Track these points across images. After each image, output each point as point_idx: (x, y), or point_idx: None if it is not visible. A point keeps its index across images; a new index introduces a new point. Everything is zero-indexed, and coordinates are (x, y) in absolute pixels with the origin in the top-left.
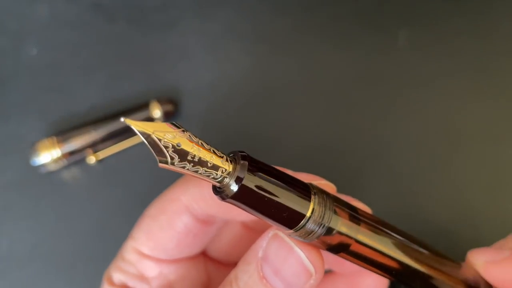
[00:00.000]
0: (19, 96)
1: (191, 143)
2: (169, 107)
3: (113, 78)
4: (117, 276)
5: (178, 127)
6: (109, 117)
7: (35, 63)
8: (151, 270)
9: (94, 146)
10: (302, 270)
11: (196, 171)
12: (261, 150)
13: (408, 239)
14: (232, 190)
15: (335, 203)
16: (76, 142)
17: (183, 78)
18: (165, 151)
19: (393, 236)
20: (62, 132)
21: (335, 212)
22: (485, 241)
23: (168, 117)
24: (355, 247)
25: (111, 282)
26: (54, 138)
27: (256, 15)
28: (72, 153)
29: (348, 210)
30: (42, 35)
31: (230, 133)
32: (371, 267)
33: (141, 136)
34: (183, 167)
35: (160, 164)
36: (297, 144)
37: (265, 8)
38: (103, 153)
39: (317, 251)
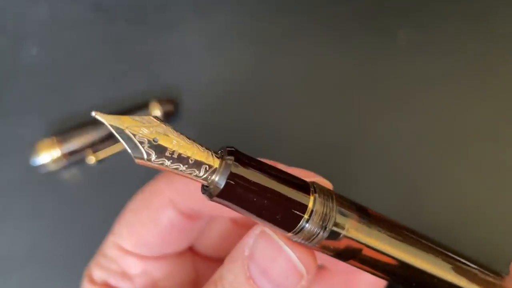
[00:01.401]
0: (19, 96)
1: (171, 138)
2: (169, 107)
3: (113, 78)
4: (98, 274)
5: (158, 121)
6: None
7: (35, 63)
8: (134, 267)
9: (94, 146)
10: (292, 270)
11: (177, 168)
12: (261, 150)
13: (435, 244)
14: (218, 188)
15: (340, 203)
16: (76, 142)
17: (183, 78)
18: (140, 147)
19: (414, 240)
20: (62, 132)
21: (340, 213)
22: (486, 241)
23: (168, 117)
24: (367, 253)
25: (92, 280)
26: (54, 138)
27: (256, 15)
28: (72, 153)
29: (357, 211)
30: (42, 35)
31: (230, 133)
32: (387, 277)
33: (113, 131)
34: (162, 164)
35: (137, 161)
36: (297, 143)
37: (265, 8)
38: (103, 153)
39: (309, 250)
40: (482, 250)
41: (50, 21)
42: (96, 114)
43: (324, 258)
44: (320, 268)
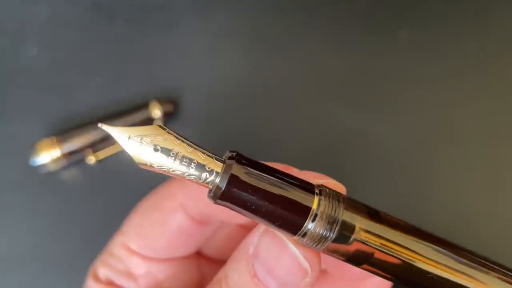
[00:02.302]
0: (19, 96)
1: (172, 146)
2: (169, 107)
3: (113, 78)
4: (103, 272)
5: (162, 129)
6: (109, 117)
7: (35, 63)
8: (140, 267)
9: (94, 146)
10: (297, 268)
11: (180, 173)
12: (261, 150)
13: (448, 245)
14: (220, 189)
15: (348, 205)
16: (76, 142)
17: (183, 78)
18: (143, 155)
19: (430, 243)
20: (62, 132)
21: (348, 215)
22: (485, 241)
23: (168, 117)
24: (379, 257)
25: (96, 278)
26: (54, 138)
27: (255, 16)
28: (72, 153)
29: (367, 213)
30: (42, 35)
31: (230, 133)
32: (400, 282)
33: (118, 141)
34: (164, 170)
35: (140, 166)
36: (297, 144)
37: (265, 8)
38: (103, 153)
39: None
40: (482, 250)
41: (50, 21)
42: (102, 126)
43: (328, 264)
44: (324, 272)
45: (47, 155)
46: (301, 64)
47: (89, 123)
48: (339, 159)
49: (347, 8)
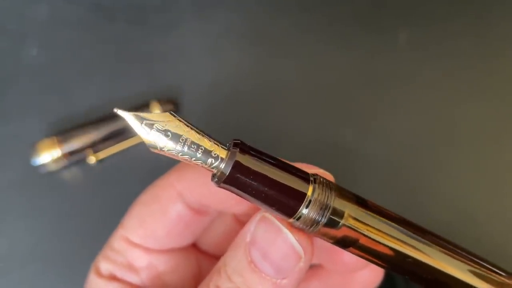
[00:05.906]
0: (19, 96)
1: (182, 132)
2: (169, 107)
3: (113, 78)
4: (105, 266)
5: (172, 117)
6: (109, 117)
7: (35, 63)
8: (140, 260)
9: (94, 146)
10: (291, 252)
11: (187, 158)
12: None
13: (433, 235)
14: (225, 175)
15: (339, 193)
16: (76, 142)
17: (183, 78)
18: (155, 140)
19: (413, 231)
20: (62, 132)
21: (339, 202)
22: (485, 240)
23: None
24: (364, 242)
25: (98, 273)
26: (54, 138)
27: (255, 16)
28: (72, 153)
29: (356, 201)
30: (42, 35)
31: (230, 132)
32: (386, 265)
33: (131, 125)
34: (173, 154)
35: (151, 149)
36: (296, 143)
37: (265, 8)
38: (103, 153)
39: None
40: (482, 250)
41: (50, 21)
42: (117, 111)
43: (321, 258)
44: (318, 267)
45: (48, 155)
46: (301, 64)
47: (89, 123)
48: (339, 157)
49: (347, 8)
